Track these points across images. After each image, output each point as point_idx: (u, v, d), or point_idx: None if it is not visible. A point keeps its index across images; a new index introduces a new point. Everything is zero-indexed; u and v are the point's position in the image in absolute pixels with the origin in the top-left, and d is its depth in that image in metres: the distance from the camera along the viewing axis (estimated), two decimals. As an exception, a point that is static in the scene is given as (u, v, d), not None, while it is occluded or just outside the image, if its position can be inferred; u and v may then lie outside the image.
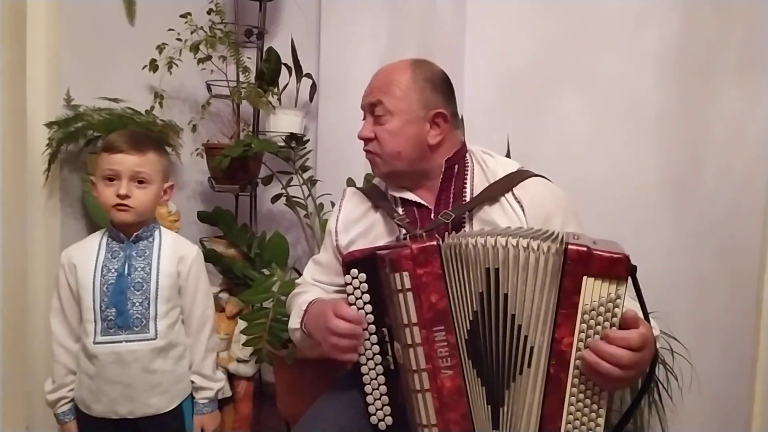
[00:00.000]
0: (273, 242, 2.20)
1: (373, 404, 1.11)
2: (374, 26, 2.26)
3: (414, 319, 1.02)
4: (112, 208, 1.26)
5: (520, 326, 1.00)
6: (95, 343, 1.26)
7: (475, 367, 1.02)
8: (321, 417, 1.18)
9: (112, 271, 1.28)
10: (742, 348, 1.79)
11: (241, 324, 1.99)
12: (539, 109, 2.11)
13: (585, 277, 0.94)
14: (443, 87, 1.25)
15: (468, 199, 1.21)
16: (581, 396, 0.97)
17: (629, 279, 0.95)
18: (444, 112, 1.22)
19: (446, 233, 1.09)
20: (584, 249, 0.94)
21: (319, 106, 2.40)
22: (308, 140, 2.35)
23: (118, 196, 1.24)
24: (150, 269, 1.29)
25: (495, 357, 1.02)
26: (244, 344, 1.82)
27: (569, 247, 0.95)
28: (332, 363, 1.91)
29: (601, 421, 0.97)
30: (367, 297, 1.09)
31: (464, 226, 1.20)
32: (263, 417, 2.31)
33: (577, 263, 0.94)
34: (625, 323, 0.94)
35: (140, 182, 1.26)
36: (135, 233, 1.30)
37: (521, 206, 1.17)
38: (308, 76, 2.35)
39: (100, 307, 1.26)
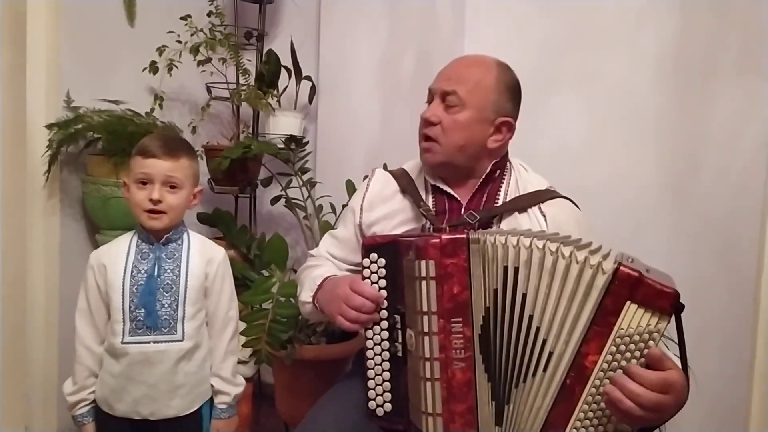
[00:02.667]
0: (272, 244, 2.21)
1: (373, 389, 1.10)
2: (374, 28, 2.27)
3: (433, 308, 1.01)
4: (143, 213, 1.26)
5: (538, 329, 0.99)
6: (123, 342, 1.26)
7: (484, 363, 1.02)
8: (321, 419, 1.19)
9: (142, 272, 1.28)
10: (740, 349, 1.80)
11: (241, 325, 1.99)
12: (538, 110, 2.10)
13: (629, 302, 0.93)
14: (517, 97, 1.28)
15: (500, 203, 1.25)
16: (590, 414, 0.96)
17: (673, 318, 0.94)
18: (511, 121, 1.26)
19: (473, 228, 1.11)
20: (636, 274, 0.93)
21: (318, 108, 2.41)
22: (308, 142, 2.36)
23: (151, 200, 1.25)
24: (179, 271, 1.29)
25: (505, 355, 1.01)
26: (243, 345, 1.82)
27: (621, 268, 0.93)
28: (331, 364, 1.94)
29: None
30: (383, 282, 1.09)
31: (492, 226, 1.22)
32: (262, 418, 2.31)
33: (624, 286, 0.93)
34: (649, 360, 0.92)
35: (172, 187, 1.27)
36: (165, 235, 1.30)
37: (545, 221, 1.21)
38: (308, 78, 2.36)
39: (129, 307, 1.26)
